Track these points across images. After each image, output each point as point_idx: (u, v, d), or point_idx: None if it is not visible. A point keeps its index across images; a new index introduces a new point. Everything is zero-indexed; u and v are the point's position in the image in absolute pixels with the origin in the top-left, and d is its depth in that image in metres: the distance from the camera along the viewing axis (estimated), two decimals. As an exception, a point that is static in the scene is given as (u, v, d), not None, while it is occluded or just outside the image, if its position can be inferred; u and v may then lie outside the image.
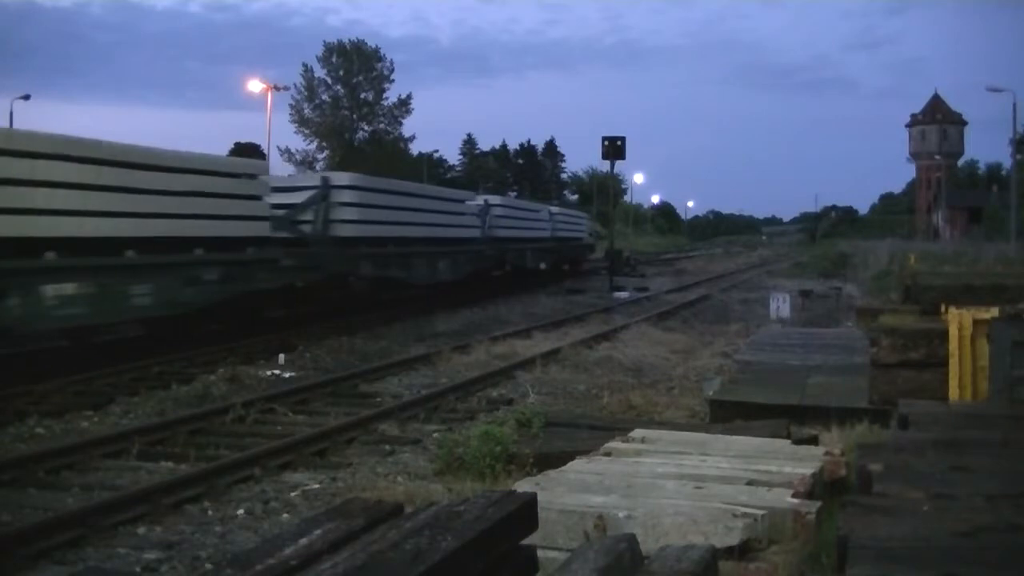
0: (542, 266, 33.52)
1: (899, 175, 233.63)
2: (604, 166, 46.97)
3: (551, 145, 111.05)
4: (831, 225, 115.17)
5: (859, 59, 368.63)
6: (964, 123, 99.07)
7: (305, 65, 74.91)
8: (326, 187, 17.95)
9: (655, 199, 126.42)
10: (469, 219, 25.61)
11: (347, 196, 18.17)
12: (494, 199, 29.96)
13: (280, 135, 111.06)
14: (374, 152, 69.92)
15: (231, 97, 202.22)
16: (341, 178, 18.88)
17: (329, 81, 75.49)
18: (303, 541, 3.00)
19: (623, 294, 28.73)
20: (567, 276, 35.63)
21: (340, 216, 17.91)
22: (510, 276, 29.14)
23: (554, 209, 37.59)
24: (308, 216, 17.74)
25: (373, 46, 76.41)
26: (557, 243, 34.68)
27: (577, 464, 6.04)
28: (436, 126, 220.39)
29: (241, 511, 6.83)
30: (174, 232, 13.17)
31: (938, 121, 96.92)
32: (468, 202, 26.66)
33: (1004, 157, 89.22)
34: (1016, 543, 3.52)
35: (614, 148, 32.04)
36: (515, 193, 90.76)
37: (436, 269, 22.27)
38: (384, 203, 19.68)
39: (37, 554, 5.76)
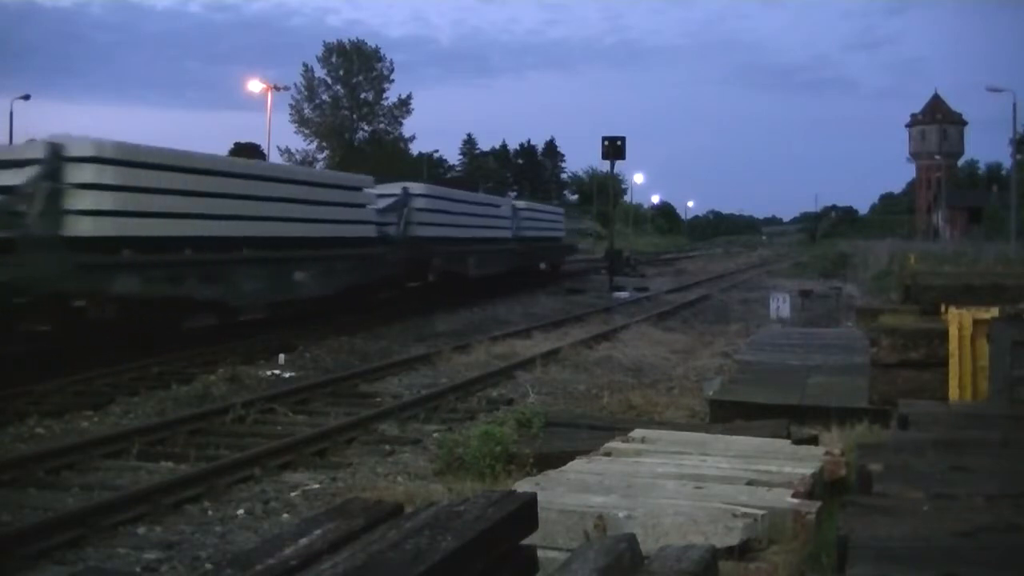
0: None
1: (899, 175, 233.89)
2: (604, 166, 46.82)
3: (551, 145, 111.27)
4: (831, 225, 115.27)
5: (859, 59, 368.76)
6: (964, 123, 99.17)
7: (305, 65, 75.15)
8: (55, 161, 12.06)
9: (655, 199, 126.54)
10: (368, 213, 19.72)
11: (90, 174, 12.34)
12: (416, 187, 22.75)
13: (280, 135, 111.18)
14: (374, 152, 69.94)
15: (231, 97, 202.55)
16: (79, 147, 12.57)
17: (329, 81, 75.65)
18: (303, 541, 3.00)
19: (623, 294, 28.69)
20: (536, 282, 30.69)
21: (80, 205, 12.20)
22: (436, 287, 23.41)
23: (520, 204, 33.15)
24: (25, 206, 11.94)
25: (373, 46, 76.65)
26: (521, 244, 29.85)
27: (577, 464, 6.04)
28: (436, 126, 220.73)
29: (241, 511, 6.84)
30: None
31: (938, 121, 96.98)
32: (368, 190, 20.19)
33: (1004, 157, 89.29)
34: (1016, 543, 3.52)
35: (614, 148, 32.05)
36: (515, 193, 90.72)
37: (288, 283, 16.25)
38: (174, 186, 13.63)
39: (37, 554, 5.76)
